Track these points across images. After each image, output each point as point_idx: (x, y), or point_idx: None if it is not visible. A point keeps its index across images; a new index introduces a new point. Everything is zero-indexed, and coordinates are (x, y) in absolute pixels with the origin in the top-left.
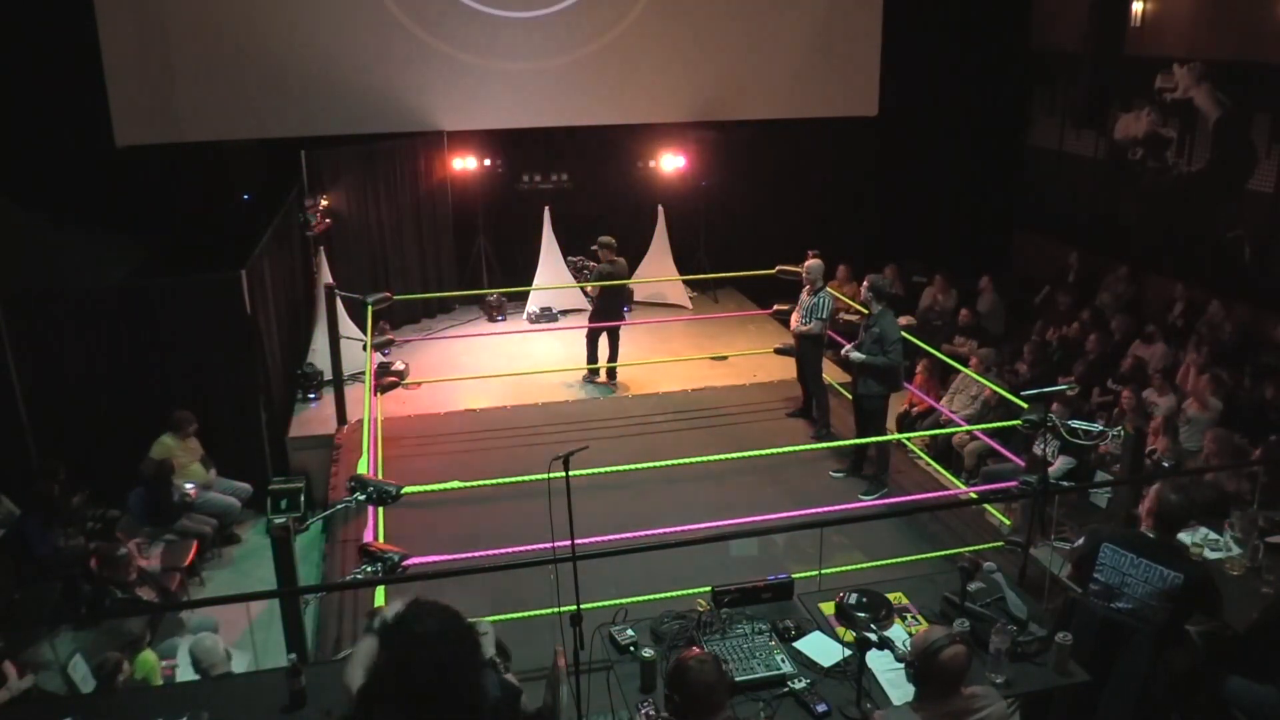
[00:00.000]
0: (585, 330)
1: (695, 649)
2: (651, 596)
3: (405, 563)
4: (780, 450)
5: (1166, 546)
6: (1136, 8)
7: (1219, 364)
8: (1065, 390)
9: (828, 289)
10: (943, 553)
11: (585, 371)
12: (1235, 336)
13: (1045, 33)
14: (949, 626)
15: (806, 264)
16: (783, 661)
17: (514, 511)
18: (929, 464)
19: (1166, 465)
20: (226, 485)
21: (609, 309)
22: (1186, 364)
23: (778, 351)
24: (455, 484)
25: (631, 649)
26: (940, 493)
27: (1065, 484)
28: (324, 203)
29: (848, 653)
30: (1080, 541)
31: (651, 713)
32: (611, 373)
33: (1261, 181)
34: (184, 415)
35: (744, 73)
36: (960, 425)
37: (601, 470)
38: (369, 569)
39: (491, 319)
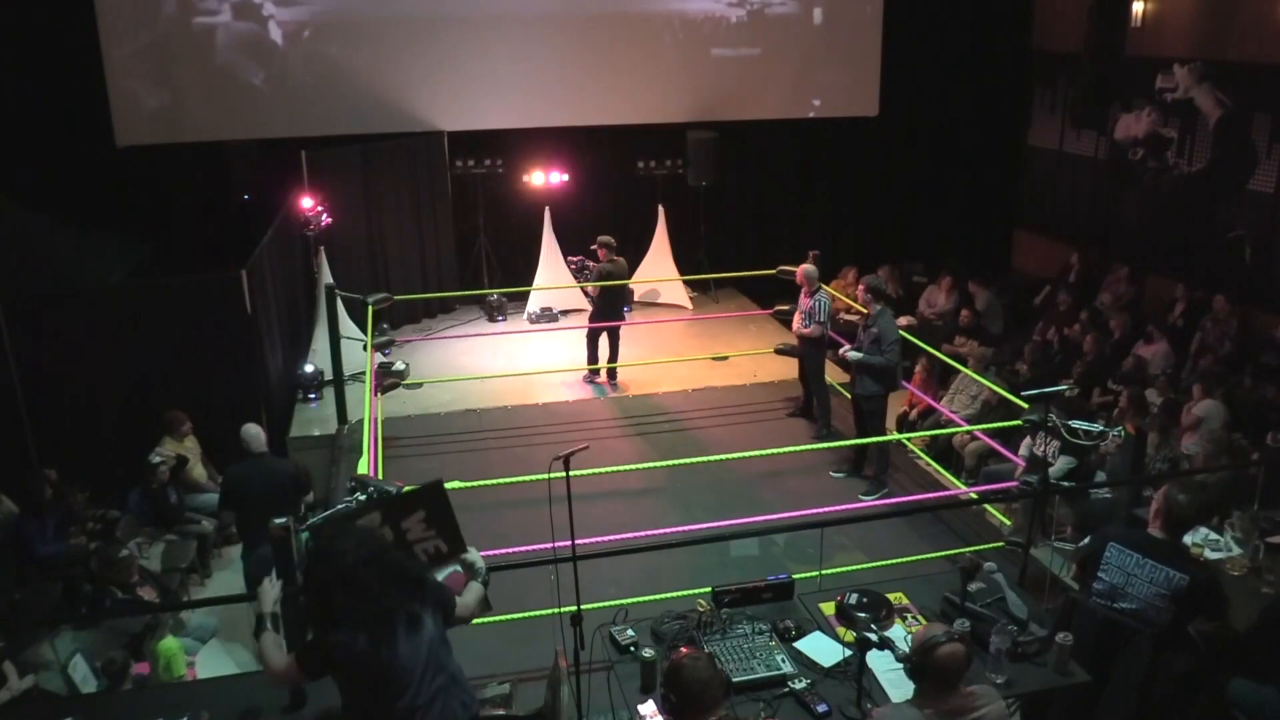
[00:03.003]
0: (585, 330)
1: (689, 647)
2: (651, 597)
3: None
4: (780, 450)
5: (1172, 547)
6: (1136, 8)
7: (1220, 364)
8: (1064, 392)
9: (824, 290)
10: (943, 553)
11: (585, 371)
12: (1236, 336)
13: (1045, 33)
14: (949, 626)
15: (800, 267)
16: (783, 662)
17: (514, 512)
18: (929, 464)
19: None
20: None
21: (609, 309)
22: (1192, 364)
23: (779, 351)
24: (455, 484)
25: (632, 649)
26: (940, 493)
27: (1065, 484)
28: (324, 203)
29: (848, 653)
30: (1086, 541)
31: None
32: (612, 373)
33: (1261, 181)
34: (176, 416)
35: (744, 73)
36: (960, 425)
37: (602, 470)
38: None
39: (492, 319)
